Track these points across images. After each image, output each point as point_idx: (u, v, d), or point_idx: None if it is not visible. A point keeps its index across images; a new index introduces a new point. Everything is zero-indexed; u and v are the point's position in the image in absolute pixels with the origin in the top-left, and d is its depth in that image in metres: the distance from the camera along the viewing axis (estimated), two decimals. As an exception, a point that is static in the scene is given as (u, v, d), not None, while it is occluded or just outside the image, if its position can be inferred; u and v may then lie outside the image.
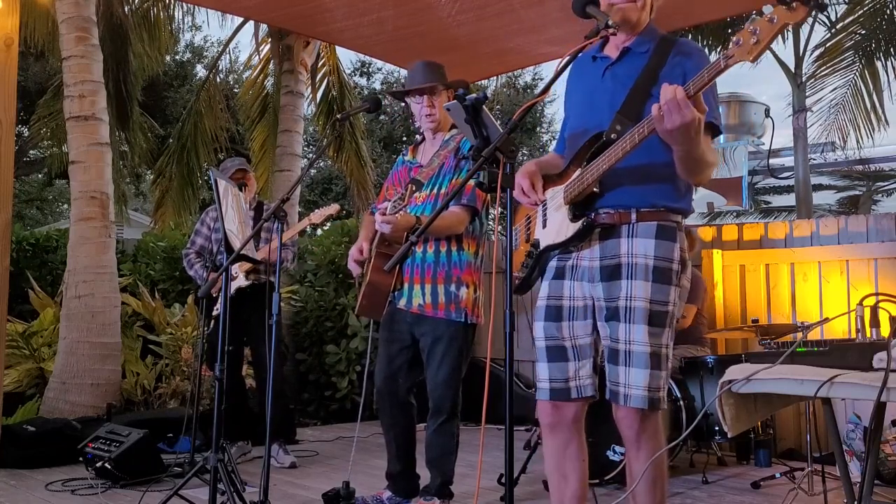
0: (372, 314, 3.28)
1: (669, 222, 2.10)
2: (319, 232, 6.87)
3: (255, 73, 9.04)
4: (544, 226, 2.26)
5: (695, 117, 1.79)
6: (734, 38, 1.68)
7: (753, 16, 1.64)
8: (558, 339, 2.19)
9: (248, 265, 4.39)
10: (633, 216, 2.10)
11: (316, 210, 4.22)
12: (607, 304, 2.12)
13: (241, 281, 4.42)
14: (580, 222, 2.13)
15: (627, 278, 2.08)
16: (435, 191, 3.28)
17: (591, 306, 2.17)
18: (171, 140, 9.32)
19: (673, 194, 2.10)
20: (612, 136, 2.04)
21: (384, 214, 3.04)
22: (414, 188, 3.19)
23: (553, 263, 2.24)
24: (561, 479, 2.23)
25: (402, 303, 3.26)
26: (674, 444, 2.05)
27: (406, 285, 3.24)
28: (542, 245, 2.24)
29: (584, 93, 2.30)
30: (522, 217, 2.41)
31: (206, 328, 4.34)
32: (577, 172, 2.15)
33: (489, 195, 3.22)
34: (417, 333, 3.27)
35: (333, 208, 4.26)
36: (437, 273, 3.21)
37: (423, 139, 3.49)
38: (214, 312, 4.40)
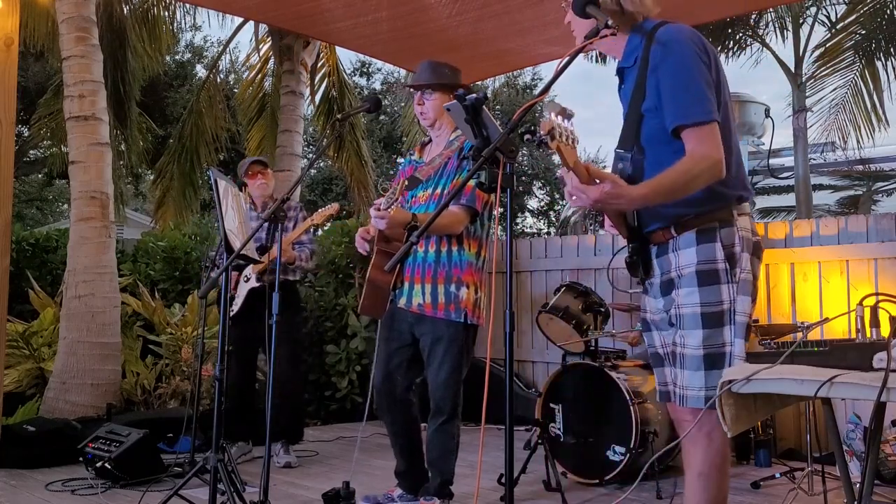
0: (374, 313, 3.28)
1: (709, 224, 2.08)
2: (320, 232, 6.87)
3: (253, 73, 9.04)
4: None
5: (596, 195, 1.87)
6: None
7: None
8: (654, 346, 2.26)
9: (260, 267, 4.41)
10: (673, 231, 2.12)
11: (318, 210, 4.25)
12: (668, 314, 2.16)
13: (253, 282, 4.43)
14: (626, 261, 2.23)
15: (678, 288, 2.11)
16: (439, 190, 3.28)
17: (666, 319, 2.20)
18: (171, 139, 9.32)
19: (700, 198, 2.06)
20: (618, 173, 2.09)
21: (378, 210, 3.03)
22: (407, 184, 3.18)
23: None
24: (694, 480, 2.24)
25: (402, 302, 3.27)
26: (674, 444, 2.04)
27: (406, 284, 3.25)
28: None
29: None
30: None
31: (223, 329, 4.37)
32: None
33: (492, 196, 3.24)
34: (417, 333, 3.28)
35: (333, 208, 4.30)
36: (437, 273, 3.22)
37: (430, 140, 3.50)
38: (232, 313, 4.43)
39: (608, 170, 2.12)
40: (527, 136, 1.77)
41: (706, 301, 2.05)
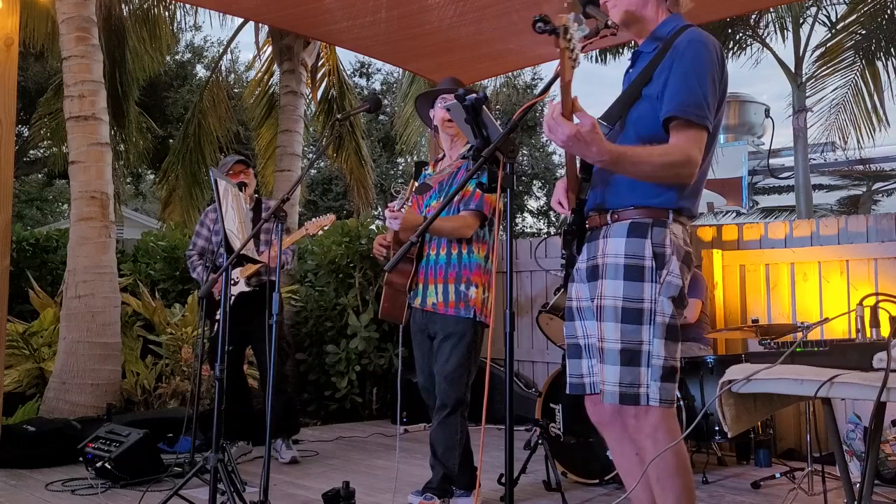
0: (394, 317, 3.47)
1: (644, 219, 2.08)
2: (320, 232, 6.87)
3: (259, 74, 9.06)
4: None
5: (571, 132, 1.83)
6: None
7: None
8: (574, 337, 2.25)
9: (248, 270, 4.42)
10: (609, 217, 2.13)
11: (313, 219, 4.34)
12: (590, 303, 2.17)
13: (241, 286, 4.44)
14: (563, 231, 2.22)
15: (602, 278, 2.12)
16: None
17: (591, 308, 2.20)
18: (174, 139, 9.36)
19: (650, 191, 2.07)
20: None
21: (392, 212, 3.19)
22: (417, 187, 3.37)
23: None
24: (630, 479, 2.23)
25: (417, 302, 3.44)
26: (674, 444, 2.04)
27: (421, 285, 3.43)
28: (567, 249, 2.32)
29: None
30: None
31: (209, 331, 4.39)
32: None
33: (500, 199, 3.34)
34: (430, 331, 3.44)
35: (329, 219, 4.40)
36: (448, 274, 3.38)
37: (444, 156, 3.63)
38: (217, 316, 4.44)
39: None
40: (539, 24, 1.70)
41: (628, 296, 2.06)
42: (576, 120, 1.89)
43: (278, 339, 4.59)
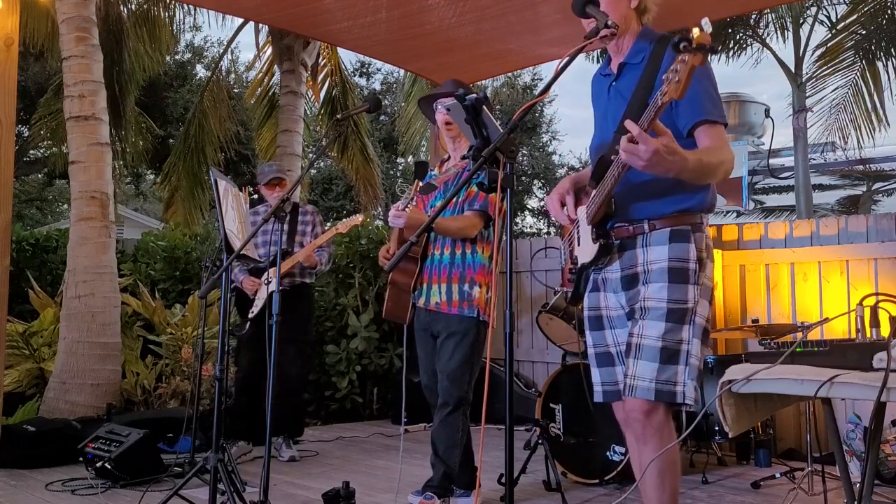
0: (397, 316, 3.49)
1: (683, 225, 2.15)
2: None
3: (260, 74, 9.07)
4: (579, 243, 2.35)
5: (656, 146, 1.80)
6: (665, 76, 1.75)
7: (678, 56, 1.72)
8: (604, 346, 2.29)
9: (281, 270, 4.49)
10: (646, 227, 2.17)
11: (343, 220, 4.45)
12: (623, 311, 2.22)
13: (273, 286, 4.48)
14: (598, 244, 2.22)
15: (644, 283, 2.15)
16: (454, 199, 3.44)
17: (624, 315, 2.25)
18: (174, 140, 9.37)
19: (683, 198, 2.14)
20: (612, 157, 2.07)
21: (397, 211, 3.21)
22: (422, 186, 3.39)
23: (592, 276, 2.34)
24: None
25: (421, 301, 3.47)
26: (674, 444, 2.04)
27: (425, 285, 3.45)
28: (579, 262, 2.34)
29: (599, 109, 2.38)
30: (567, 233, 2.51)
31: (239, 330, 4.49)
32: (593, 193, 2.22)
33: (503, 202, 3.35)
34: (434, 330, 3.46)
35: (357, 219, 4.49)
36: (452, 273, 3.40)
37: (449, 157, 3.64)
38: (250, 315, 4.53)
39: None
40: (683, 44, 1.71)
41: (673, 298, 2.11)
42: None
43: (302, 343, 4.66)
